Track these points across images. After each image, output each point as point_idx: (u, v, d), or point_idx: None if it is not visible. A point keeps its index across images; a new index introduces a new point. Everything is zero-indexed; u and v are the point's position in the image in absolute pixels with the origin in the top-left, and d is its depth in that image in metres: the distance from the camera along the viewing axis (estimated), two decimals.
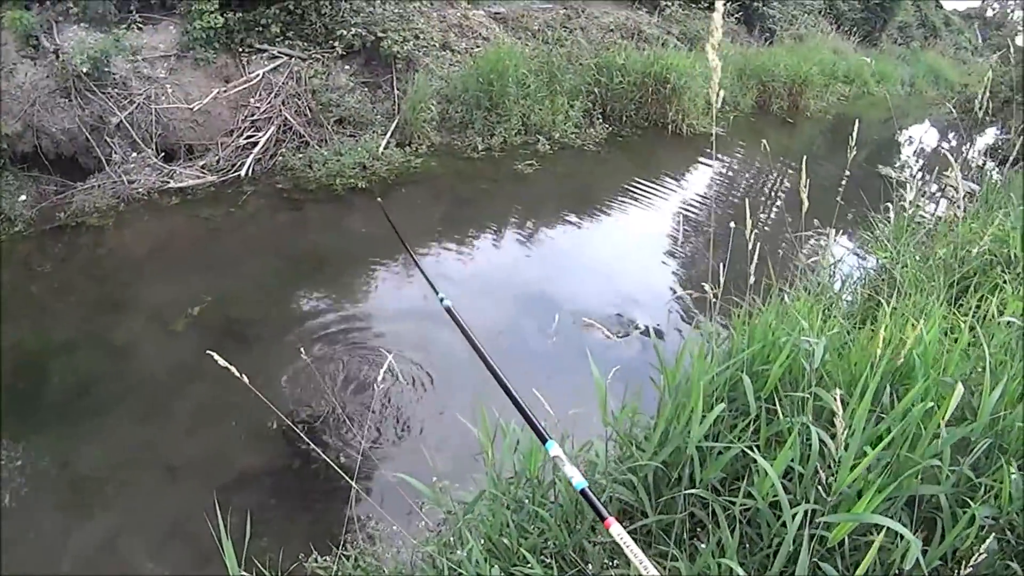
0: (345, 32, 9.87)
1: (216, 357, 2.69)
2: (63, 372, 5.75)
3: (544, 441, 2.19)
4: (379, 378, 3.21)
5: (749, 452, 2.67)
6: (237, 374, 2.66)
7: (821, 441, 2.56)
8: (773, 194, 10.28)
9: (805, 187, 3.28)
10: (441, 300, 2.87)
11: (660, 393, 3.33)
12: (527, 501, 3.10)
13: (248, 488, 4.59)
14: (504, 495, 3.11)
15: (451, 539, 3.21)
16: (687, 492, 2.78)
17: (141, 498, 4.57)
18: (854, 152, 3.92)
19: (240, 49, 9.51)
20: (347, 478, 3.06)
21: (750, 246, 3.22)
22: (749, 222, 3.31)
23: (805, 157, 3.51)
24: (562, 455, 2.11)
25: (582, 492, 2.01)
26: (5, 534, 4.25)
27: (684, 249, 8.08)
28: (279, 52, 9.64)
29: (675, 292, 6.67)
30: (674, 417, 2.95)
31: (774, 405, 2.98)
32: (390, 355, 3.22)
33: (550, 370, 5.31)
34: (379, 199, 5.44)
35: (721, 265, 3.40)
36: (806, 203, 3.32)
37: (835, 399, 2.32)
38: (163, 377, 5.67)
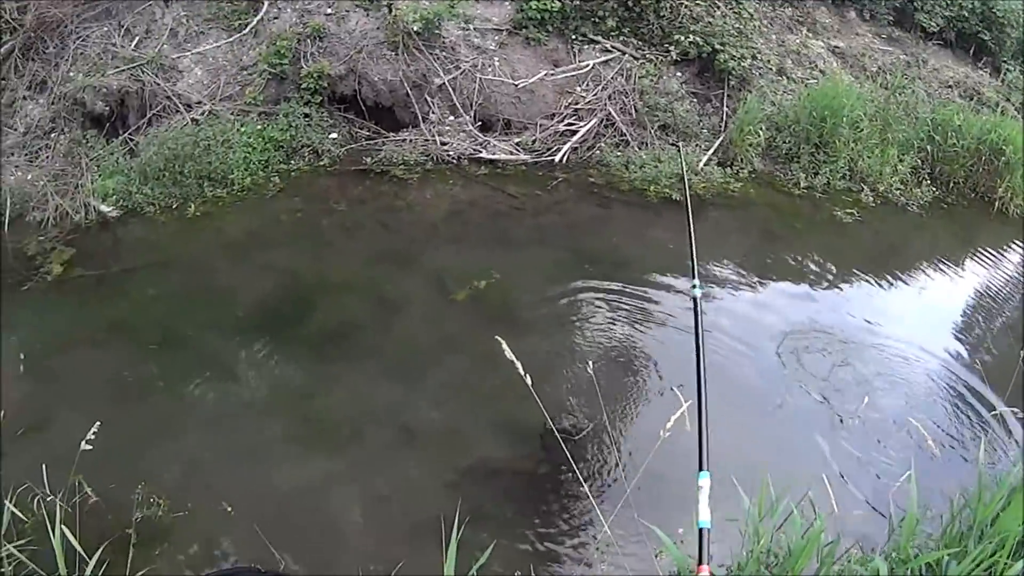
0: (682, 38, 9.11)
1: (504, 346, 2.63)
2: (331, 310, 5.59)
3: (701, 468, 2.21)
4: (667, 426, 2.68)
5: None
6: (522, 371, 2.60)
7: None
8: None
9: None
10: (693, 287, 2.75)
11: (952, 515, 3.16)
12: None
13: (483, 478, 4.24)
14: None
15: None
16: None
17: (369, 454, 4.37)
18: None
19: (573, 36, 9.02)
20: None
21: None
22: None
23: None
24: (706, 488, 2.12)
25: (700, 530, 2.07)
26: (223, 438, 4.33)
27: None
28: (612, 46, 9.02)
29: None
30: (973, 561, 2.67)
31: None
32: (685, 404, 2.74)
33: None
34: None
35: None
36: None
37: None
38: (427, 341, 5.40)
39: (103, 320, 5.22)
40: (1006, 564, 2.56)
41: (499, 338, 2.62)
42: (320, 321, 5.38)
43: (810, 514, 3.06)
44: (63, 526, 2.92)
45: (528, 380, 2.54)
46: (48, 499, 3.34)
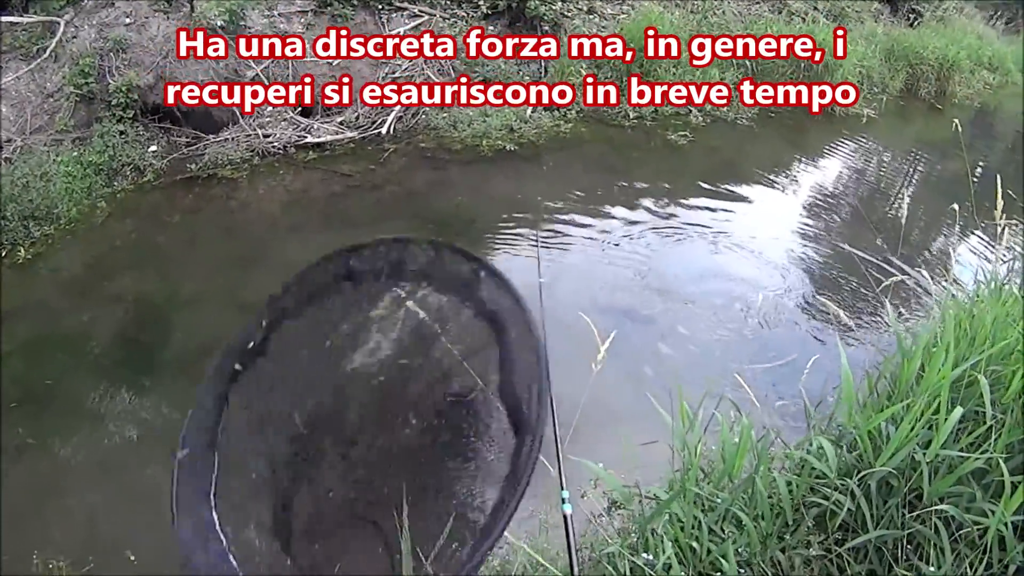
0: None
1: (402, 294, 2.41)
2: (190, 328, 5.37)
3: None
4: (598, 359, 2.69)
5: (999, 466, 2.44)
6: (423, 314, 2.42)
7: None
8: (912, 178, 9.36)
9: None
10: None
11: (871, 385, 3.29)
12: (720, 501, 2.84)
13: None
14: (697, 491, 2.88)
15: (635, 540, 2.92)
16: (934, 509, 2.57)
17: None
18: None
19: (379, 6, 8.99)
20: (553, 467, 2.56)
21: None
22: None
23: None
24: None
25: None
26: (111, 486, 4.09)
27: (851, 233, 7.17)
28: (420, 11, 9.09)
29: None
30: (909, 421, 2.67)
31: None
32: (610, 335, 2.83)
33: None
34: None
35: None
36: None
37: None
38: None
39: None
40: (944, 418, 2.57)
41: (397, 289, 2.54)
42: (182, 342, 5.19)
43: (734, 418, 3.09)
44: None
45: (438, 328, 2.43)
46: None
